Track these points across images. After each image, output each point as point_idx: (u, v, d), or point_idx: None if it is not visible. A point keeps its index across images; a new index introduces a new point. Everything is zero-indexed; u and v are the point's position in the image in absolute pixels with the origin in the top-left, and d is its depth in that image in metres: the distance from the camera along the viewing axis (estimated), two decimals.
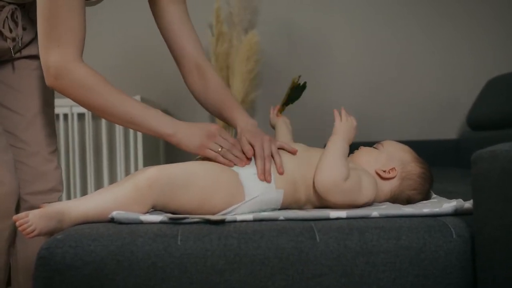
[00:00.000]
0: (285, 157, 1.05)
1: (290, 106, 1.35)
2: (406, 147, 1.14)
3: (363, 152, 1.13)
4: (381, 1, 2.72)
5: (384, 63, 2.72)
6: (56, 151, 1.28)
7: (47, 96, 1.26)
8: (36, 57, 1.24)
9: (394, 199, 1.09)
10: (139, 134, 2.46)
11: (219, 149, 1.03)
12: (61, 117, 2.47)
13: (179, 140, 1.03)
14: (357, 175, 1.02)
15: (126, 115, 1.03)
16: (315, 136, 2.26)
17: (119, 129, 2.48)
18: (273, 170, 1.02)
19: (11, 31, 1.16)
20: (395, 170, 1.08)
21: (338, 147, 1.03)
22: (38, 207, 0.91)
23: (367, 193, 1.02)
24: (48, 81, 1.03)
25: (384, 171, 1.08)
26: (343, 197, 0.99)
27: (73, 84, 1.01)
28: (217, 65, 2.50)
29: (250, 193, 0.99)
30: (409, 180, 1.09)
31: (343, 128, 1.07)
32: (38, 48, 1.24)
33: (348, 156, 1.07)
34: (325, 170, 0.99)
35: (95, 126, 2.57)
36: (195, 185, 0.96)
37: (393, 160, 1.10)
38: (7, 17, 1.14)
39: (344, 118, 1.08)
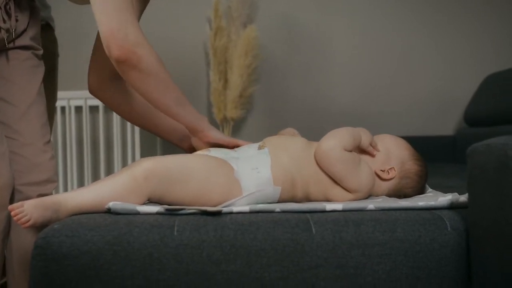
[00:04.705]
0: (284, 154, 1.04)
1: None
2: (405, 144, 1.12)
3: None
4: None
5: (382, 59, 2.72)
6: (50, 141, 1.27)
7: (39, 86, 1.26)
8: (27, 47, 1.24)
9: (391, 195, 1.09)
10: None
11: None
12: (59, 110, 2.47)
13: (209, 128, 1.17)
14: (358, 157, 1.03)
15: (180, 92, 1.11)
16: (314, 133, 2.25)
17: (116, 122, 2.48)
18: (271, 166, 1.02)
19: (4, 21, 1.16)
20: (394, 170, 1.07)
21: (351, 128, 1.05)
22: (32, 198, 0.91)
23: (365, 176, 1.02)
24: (124, 50, 1.00)
25: (383, 171, 1.07)
26: (341, 163, 1.00)
27: (150, 53, 1.03)
28: (215, 60, 2.49)
29: (247, 189, 0.98)
30: (407, 179, 1.08)
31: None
32: (29, 39, 1.23)
33: None
34: (328, 136, 1.03)
35: (92, 118, 2.57)
36: (191, 178, 0.96)
37: (392, 159, 1.09)
38: (0, 8, 1.14)
39: None
